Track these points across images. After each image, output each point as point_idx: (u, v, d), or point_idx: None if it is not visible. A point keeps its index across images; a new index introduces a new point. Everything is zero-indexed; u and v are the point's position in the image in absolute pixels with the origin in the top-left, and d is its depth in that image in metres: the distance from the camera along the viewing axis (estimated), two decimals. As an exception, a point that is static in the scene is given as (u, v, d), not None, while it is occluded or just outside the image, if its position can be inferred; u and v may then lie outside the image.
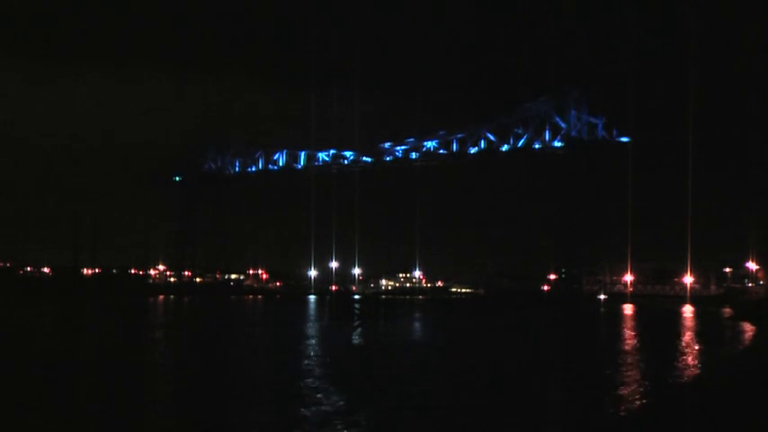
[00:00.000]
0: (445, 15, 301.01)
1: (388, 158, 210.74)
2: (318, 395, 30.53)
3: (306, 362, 43.66)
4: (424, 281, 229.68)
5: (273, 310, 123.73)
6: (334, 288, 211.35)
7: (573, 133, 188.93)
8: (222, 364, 42.87)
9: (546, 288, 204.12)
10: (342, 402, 29.08)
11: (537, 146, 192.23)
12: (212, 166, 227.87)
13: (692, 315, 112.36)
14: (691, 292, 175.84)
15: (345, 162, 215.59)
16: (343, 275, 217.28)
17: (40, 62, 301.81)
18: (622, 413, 28.13)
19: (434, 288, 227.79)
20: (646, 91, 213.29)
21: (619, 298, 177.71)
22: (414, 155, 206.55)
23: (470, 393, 32.60)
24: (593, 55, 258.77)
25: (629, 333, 74.43)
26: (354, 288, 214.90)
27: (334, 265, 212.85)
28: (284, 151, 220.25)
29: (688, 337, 67.84)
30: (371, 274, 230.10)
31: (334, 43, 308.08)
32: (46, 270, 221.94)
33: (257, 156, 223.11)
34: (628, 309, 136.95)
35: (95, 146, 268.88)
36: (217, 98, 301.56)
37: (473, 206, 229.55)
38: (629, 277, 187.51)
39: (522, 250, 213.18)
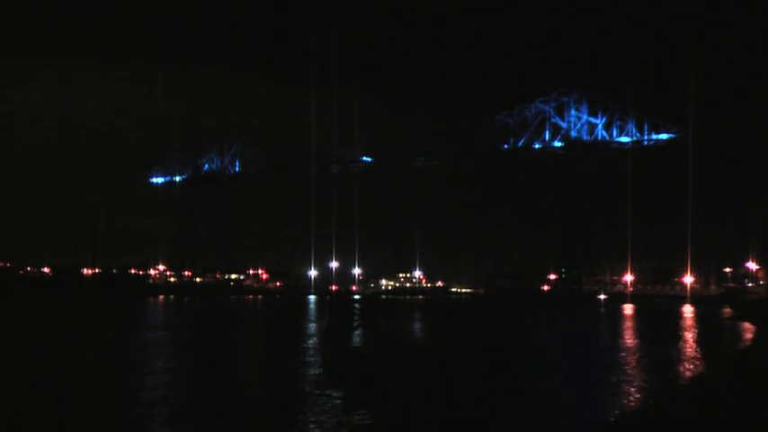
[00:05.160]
0: (445, 15, 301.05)
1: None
2: (317, 399, 30.49)
3: (305, 364, 43.61)
4: (424, 281, 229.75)
5: (273, 310, 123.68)
6: (334, 288, 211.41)
7: (573, 133, 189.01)
8: (219, 367, 42.84)
9: (546, 288, 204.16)
10: (342, 407, 29.04)
11: (537, 146, 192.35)
12: (212, 166, 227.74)
13: (692, 315, 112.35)
14: (691, 292, 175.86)
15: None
16: (343, 275, 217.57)
17: (38, 61, 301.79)
18: (620, 413, 28.11)
19: (434, 288, 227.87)
20: (646, 90, 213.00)
21: (619, 298, 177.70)
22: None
23: (471, 395, 32.58)
24: (594, 55, 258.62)
25: (629, 333, 74.42)
26: (354, 288, 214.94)
27: (334, 265, 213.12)
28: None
29: (688, 336, 67.84)
30: (371, 274, 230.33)
31: (334, 43, 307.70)
32: (46, 270, 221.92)
33: (257, 156, 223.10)
34: (628, 309, 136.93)
35: (94, 145, 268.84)
36: (217, 98, 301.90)
37: (473, 206, 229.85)
38: (629, 277, 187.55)
39: (522, 250, 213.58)
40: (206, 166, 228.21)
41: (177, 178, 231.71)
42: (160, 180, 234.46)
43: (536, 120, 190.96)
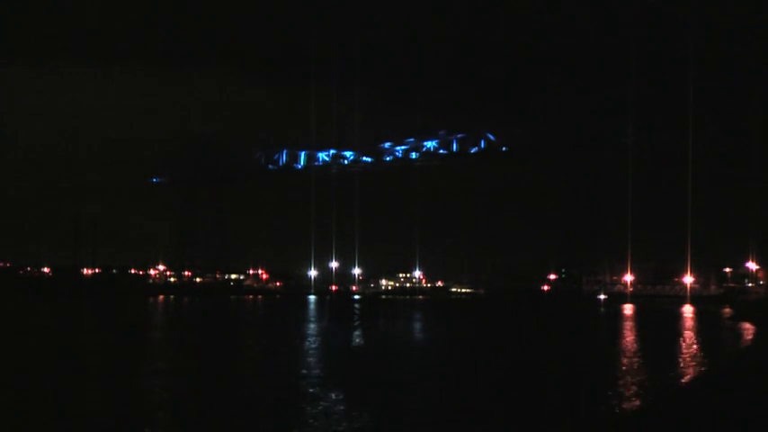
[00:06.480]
0: (446, 14, 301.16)
1: (388, 158, 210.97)
2: (317, 400, 30.48)
3: (305, 364, 43.62)
4: (424, 281, 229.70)
5: (273, 310, 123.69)
6: (334, 288, 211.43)
7: (572, 133, 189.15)
8: (219, 368, 42.86)
9: (546, 288, 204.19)
10: (343, 408, 29.03)
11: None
12: (212, 165, 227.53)
13: (692, 315, 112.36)
14: (691, 292, 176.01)
15: (345, 162, 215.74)
16: (343, 275, 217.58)
17: (37, 60, 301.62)
18: (621, 413, 28.11)
19: (434, 288, 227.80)
20: (646, 91, 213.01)
21: (619, 298, 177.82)
22: (414, 155, 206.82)
23: (471, 396, 32.59)
24: (594, 55, 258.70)
25: (628, 333, 74.41)
26: (354, 288, 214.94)
27: (334, 265, 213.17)
28: (284, 151, 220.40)
29: (688, 336, 67.83)
30: (371, 274, 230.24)
31: (334, 42, 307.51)
32: (46, 270, 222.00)
33: (257, 156, 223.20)
34: (628, 309, 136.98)
35: (93, 145, 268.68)
36: (216, 97, 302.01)
37: (473, 206, 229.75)
38: (629, 277, 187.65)
39: (522, 250, 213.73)
40: (207, 165, 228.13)
41: (177, 178, 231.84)
42: (160, 180, 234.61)
43: (536, 119, 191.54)
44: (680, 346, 56.62)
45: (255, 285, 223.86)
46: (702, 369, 41.77)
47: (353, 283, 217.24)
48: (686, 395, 32.97)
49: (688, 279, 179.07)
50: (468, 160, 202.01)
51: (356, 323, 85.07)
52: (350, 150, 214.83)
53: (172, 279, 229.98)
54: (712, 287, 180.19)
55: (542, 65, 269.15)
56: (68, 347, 52.92)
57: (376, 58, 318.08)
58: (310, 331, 70.95)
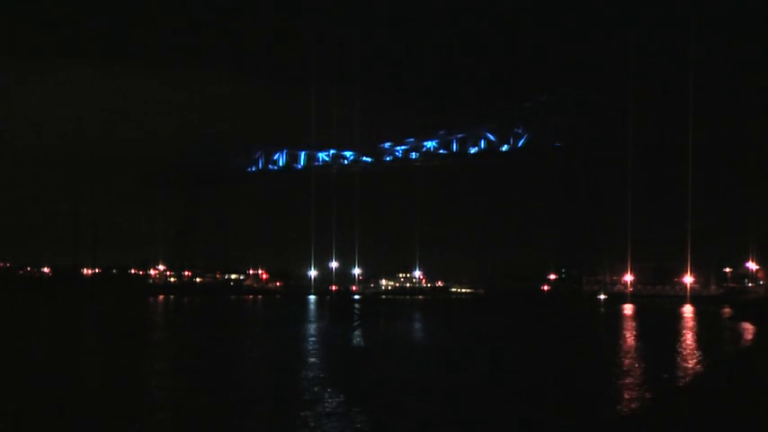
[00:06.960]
0: (446, 14, 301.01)
1: (388, 158, 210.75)
2: (318, 401, 30.49)
3: (305, 364, 43.63)
4: (424, 281, 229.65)
5: (273, 310, 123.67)
6: (334, 288, 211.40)
7: (572, 133, 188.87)
8: (219, 368, 42.87)
9: (546, 288, 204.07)
10: (343, 409, 29.03)
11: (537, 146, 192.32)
12: (212, 165, 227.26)
13: (692, 315, 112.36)
14: (691, 292, 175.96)
15: (345, 162, 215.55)
16: (343, 275, 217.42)
17: (37, 60, 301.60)
18: (622, 413, 28.12)
19: (434, 288, 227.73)
20: (646, 90, 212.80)
21: (619, 298, 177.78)
22: (414, 155, 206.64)
23: (472, 396, 32.59)
24: (594, 54, 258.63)
25: (629, 333, 74.43)
26: (354, 288, 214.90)
27: (334, 265, 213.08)
28: (284, 151, 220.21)
29: (688, 337, 67.85)
30: (371, 274, 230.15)
31: (334, 42, 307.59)
32: (46, 270, 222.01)
33: (257, 156, 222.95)
34: (628, 309, 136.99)
35: (94, 145, 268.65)
36: (216, 97, 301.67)
37: (473, 206, 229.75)
38: (629, 277, 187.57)
39: (522, 250, 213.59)
40: (206, 165, 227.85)
41: (177, 178, 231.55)
42: (160, 180, 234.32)
43: (536, 120, 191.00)
44: (680, 346, 56.62)
45: (255, 285, 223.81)
46: (702, 369, 41.78)
47: (353, 283, 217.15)
48: (686, 395, 32.99)
49: (688, 279, 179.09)
50: (468, 160, 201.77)
51: (356, 323, 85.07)
52: (350, 150, 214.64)
53: (172, 279, 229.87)
54: (712, 287, 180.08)
55: (542, 64, 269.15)
56: (69, 348, 52.92)
57: (376, 58, 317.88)
58: (310, 331, 70.94)
